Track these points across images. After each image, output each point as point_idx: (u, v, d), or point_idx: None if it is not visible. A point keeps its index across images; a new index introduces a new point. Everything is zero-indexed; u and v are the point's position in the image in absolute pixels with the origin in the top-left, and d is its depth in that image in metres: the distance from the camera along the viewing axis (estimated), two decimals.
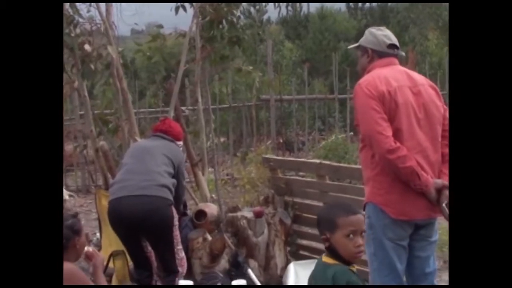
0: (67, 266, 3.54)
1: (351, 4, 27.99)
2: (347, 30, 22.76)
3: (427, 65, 12.87)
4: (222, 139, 12.63)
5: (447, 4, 19.17)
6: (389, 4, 28.07)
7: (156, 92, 10.70)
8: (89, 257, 3.85)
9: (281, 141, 13.27)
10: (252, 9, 14.76)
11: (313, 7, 25.35)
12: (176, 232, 4.67)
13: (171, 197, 4.57)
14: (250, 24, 6.25)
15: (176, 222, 4.65)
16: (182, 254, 4.77)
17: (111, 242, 5.09)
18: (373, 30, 3.92)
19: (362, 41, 3.90)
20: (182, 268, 4.76)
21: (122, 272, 4.86)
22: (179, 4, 6.12)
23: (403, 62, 12.53)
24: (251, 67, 6.19)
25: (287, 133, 13.35)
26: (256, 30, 6.47)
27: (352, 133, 12.71)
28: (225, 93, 12.11)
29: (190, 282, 4.72)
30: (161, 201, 4.52)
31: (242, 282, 4.78)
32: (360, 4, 28.27)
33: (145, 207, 4.47)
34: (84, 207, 9.65)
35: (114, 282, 4.93)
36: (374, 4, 29.05)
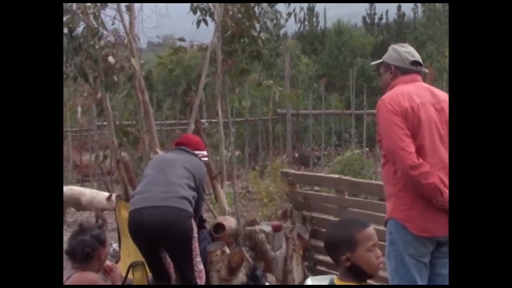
0: (91, 276, 3.58)
1: (368, 20, 28.07)
2: (364, 45, 22.81)
3: (444, 82, 12.87)
4: (237, 153, 12.66)
5: None
6: (406, 19, 28.11)
7: (172, 105, 10.72)
8: (107, 271, 3.89)
9: (297, 155, 13.28)
10: (269, 23, 14.85)
11: (330, 22, 25.47)
12: (196, 244, 4.67)
13: (191, 209, 4.59)
14: (267, 39, 6.22)
15: (195, 234, 4.66)
16: (200, 266, 4.77)
17: (130, 253, 5.11)
18: (396, 46, 3.93)
19: (386, 57, 3.90)
20: (201, 280, 4.75)
21: (141, 283, 4.88)
22: (200, 17, 6.18)
23: (422, 78, 12.55)
24: (271, 81, 6.19)
25: (302, 148, 13.37)
26: (274, 44, 6.43)
27: (367, 148, 12.72)
28: (242, 107, 12.15)
29: None
30: (181, 212, 4.54)
31: None
32: (376, 20, 28.34)
33: (165, 218, 4.49)
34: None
35: None
36: (390, 20, 29.11)
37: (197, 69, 6.24)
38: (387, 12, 29.58)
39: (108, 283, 3.78)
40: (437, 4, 18.13)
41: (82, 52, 5.00)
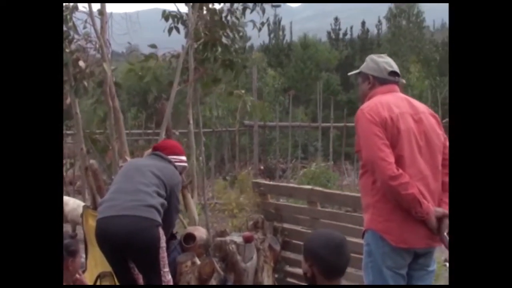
0: None
1: (333, 35, 28.34)
2: (329, 60, 22.98)
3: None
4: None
5: (428, 38, 19.45)
6: (370, 36, 28.47)
7: (137, 115, 10.55)
8: (75, 282, 3.75)
9: (262, 167, 13.25)
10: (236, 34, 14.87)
11: (296, 36, 25.58)
12: (163, 254, 4.52)
13: (158, 218, 4.43)
14: (241, 48, 6.17)
15: (163, 244, 4.51)
16: (168, 277, 4.60)
17: (97, 263, 4.97)
18: (374, 57, 3.91)
19: (363, 67, 3.88)
20: None
21: None
22: (172, 25, 6.10)
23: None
24: (243, 91, 6.13)
25: (267, 160, 13.34)
26: (245, 55, 6.39)
27: (332, 162, 12.76)
28: (208, 118, 12.07)
29: None
30: (147, 222, 4.38)
31: None
32: (341, 35, 28.63)
33: (131, 228, 4.34)
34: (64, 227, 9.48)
35: None
36: (355, 36, 29.47)
37: (167, 77, 6.12)
38: (351, 28, 29.97)
39: None
40: (402, 21, 18.39)
41: None
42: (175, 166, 4.77)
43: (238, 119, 12.09)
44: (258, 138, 12.33)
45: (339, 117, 12.41)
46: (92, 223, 5.27)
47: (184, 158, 4.93)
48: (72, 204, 8.38)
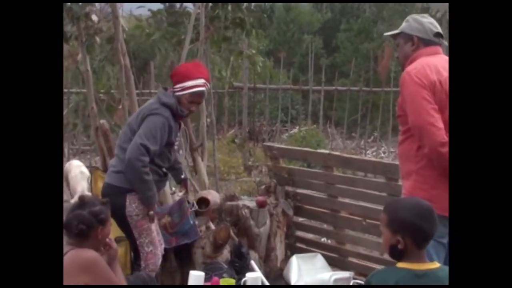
0: (90, 254, 3.26)
1: None
2: (311, 23, 22.64)
3: (395, 61, 12.89)
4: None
5: (416, 3, 19.26)
6: None
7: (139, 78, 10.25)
8: (104, 246, 3.55)
9: (247, 130, 13.08)
10: None
11: None
12: (137, 223, 4.16)
13: (125, 184, 4.13)
14: (246, 8, 5.95)
15: (132, 212, 4.13)
16: (148, 248, 4.23)
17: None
18: (417, 17, 3.73)
19: (405, 28, 3.69)
20: (146, 263, 4.23)
21: (123, 260, 4.58)
22: None
23: (380, 57, 12.42)
24: (253, 51, 5.93)
25: (253, 123, 13.14)
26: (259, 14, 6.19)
27: (322, 125, 12.65)
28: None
29: (201, 273, 4.49)
30: (110, 188, 4.17)
31: (255, 275, 4.58)
32: None
33: (103, 195, 4.16)
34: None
35: None
36: None
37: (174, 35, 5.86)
38: None
39: (105, 258, 3.44)
40: None
41: (64, 8, 4.56)
42: (177, 97, 4.21)
43: (228, 80, 11.82)
44: (247, 100, 12.11)
45: (322, 81, 12.27)
46: (101, 185, 5.06)
47: (192, 82, 4.20)
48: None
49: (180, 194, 4.82)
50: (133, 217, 4.14)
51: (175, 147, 4.38)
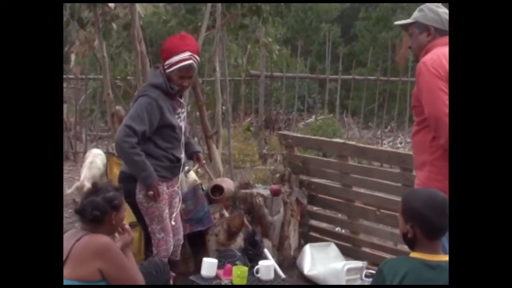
0: (104, 239, 3.28)
1: None
2: (330, 11, 22.50)
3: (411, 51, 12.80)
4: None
5: None
6: None
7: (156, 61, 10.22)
8: (118, 231, 3.58)
9: (263, 119, 13.06)
10: None
11: None
12: (150, 210, 4.14)
13: (127, 169, 4.16)
14: None
15: (144, 199, 4.11)
16: (160, 235, 4.20)
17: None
18: (432, 6, 3.67)
19: (420, 17, 3.64)
20: (157, 249, 4.20)
21: (137, 245, 4.61)
22: None
23: (398, 46, 12.31)
24: (270, 39, 5.91)
25: (269, 111, 13.12)
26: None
27: (332, 114, 12.58)
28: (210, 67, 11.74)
29: (214, 261, 4.52)
30: (124, 175, 4.20)
31: (268, 263, 4.59)
32: None
33: (119, 182, 4.15)
34: (65, 174, 9.27)
35: None
36: None
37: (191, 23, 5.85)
38: None
39: (117, 244, 3.46)
40: None
41: None
42: (167, 74, 4.09)
43: (244, 68, 11.77)
44: (264, 88, 12.08)
45: (339, 70, 12.19)
46: (116, 171, 5.09)
47: (177, 57, 4.03)
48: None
49: (194, 176, 4.76)
50: (143, 204, 4.14)
51: (181, 125, 4.19)
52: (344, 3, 22.32)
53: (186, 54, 4.03)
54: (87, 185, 6.21)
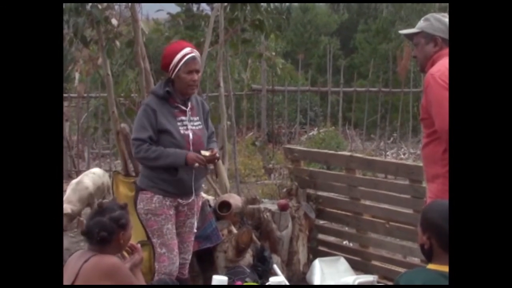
0: (112, 260, 3.23)
1: None
2: (328, 24, 22.58)
3: (414, 62, 12.78)
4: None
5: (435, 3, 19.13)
6: None
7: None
8: (127, 251, 3.53)
9: (266, 133, 13.03)
10: None
11: None
12: (150, 223, 4.15)
13: (139, 182, 4.21)
14: (265, 10, 5.90)
15: (142, 211, 4.13)
16: (161, 249, 4.18)
17: (135, 230, 4.76)
18: (438, 16, 3.64)
19: (427, 27, 3.60)
20: (158, 265, 4.19)
21: (147, 264, 4.55)
22: None
23: (399, 57, 12.29)
24: (273, 53, 5.89)
25: (272, 125, 13.09)
26: (277, 15, 6.16)
27: (334, 127, 12.56)
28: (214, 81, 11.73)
29: (224, 278, 4.46)
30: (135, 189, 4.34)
31: (278, 280, 4.53)
32: None
33: None
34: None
35: None
36: None
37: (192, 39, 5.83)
38: None
39: (127, 264, 3.41)
40: None
41: (84, 12, 4.56)
42: (175, 78, 4.10)
43: (246, 82, 11.78)
44: (266, 102, 12.06)
45: (340, 82, 12.18)
46: (122, 190, 5.06)
47: (179, 55, 4.06)
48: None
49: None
50: (142, 216, 4.16)
51: (184, 133, 4.09)
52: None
53: (187, 49, 4.10)
54: (66, 207, 6.20)
